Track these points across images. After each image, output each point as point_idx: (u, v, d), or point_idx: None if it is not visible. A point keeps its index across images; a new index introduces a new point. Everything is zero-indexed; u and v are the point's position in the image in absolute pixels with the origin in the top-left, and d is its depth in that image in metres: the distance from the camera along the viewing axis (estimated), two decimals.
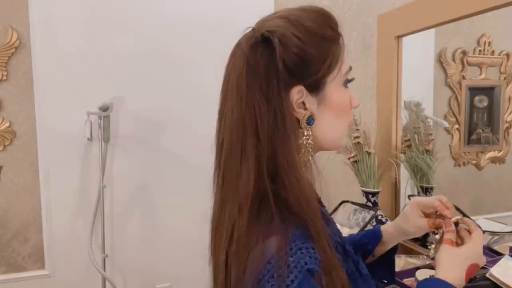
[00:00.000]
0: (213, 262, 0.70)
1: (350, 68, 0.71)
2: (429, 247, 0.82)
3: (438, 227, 0.81)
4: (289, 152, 0.63)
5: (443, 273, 0.71)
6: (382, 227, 0.91)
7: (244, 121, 0.64)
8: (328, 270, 0.60)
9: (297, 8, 0.69)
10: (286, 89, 0.64)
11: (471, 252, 0.74)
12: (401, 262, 1.40)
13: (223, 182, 0.67)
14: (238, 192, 0.63)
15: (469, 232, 0.78)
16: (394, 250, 0.92)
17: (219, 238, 0.67)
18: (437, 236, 0.79)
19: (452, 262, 0.72)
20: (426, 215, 0.85)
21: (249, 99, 0.63)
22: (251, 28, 0.69)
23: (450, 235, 0.76)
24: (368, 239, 0.90)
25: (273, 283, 0.57)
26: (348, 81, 0.71)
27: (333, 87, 0.68)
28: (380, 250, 0.91)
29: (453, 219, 0.79)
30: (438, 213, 0.83)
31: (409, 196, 1.63)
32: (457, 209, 1.48)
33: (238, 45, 0.68)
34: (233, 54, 0.68)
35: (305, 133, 0.66)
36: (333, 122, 0.69)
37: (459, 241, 0.77)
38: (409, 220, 0.85)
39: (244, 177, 0.63)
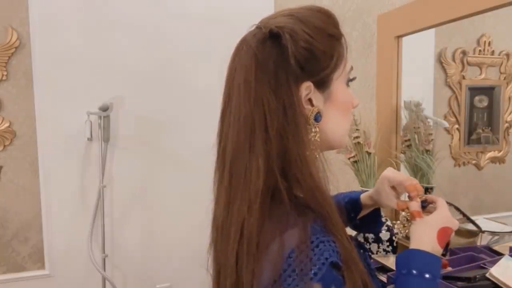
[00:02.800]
0: (218, 265, 0.69)
1: (352, 68, 0.72)
2: (393, 222, 0.83)
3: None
4: (302, 147, 0.63)
5: (414, 244, 0.72)
6: (362, 197, 0.91)
7: (252, 117, 0.63)
8: (348, 264, 0.60)
9: (300, 7, 0.69)
10: (296, 84, 0.64)
11: (437, 217, 0.75)
12: None
13: (229, 181, 0.66)
14: (246, 190, 0.63)
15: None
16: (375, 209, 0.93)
17: (225, 239, 0.65)
18: (403, 213, 0.79)
19: (421, 232, 0.73)
20: (398, 192, 0.85)
21: (258, 94, 0.63)
22: (255, 26, 0.69)
23: (414, 206, 0.76)
24: (351, 206, 0.91)
25: (294, 277, 0.56)
26: (350, 80, 0.72)
27: (338, 85, 0.69)
28: (361, 214, 0.92)
29: (422, 198, 0.79)
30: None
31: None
32: (457, 209, 1.48)
33: (243, 42, 0.68)
34: (238, 51, 0.68)
35: (313, 130, 0.66)
36: (339, 120, 0.70)
37: (427, 215, 0.77)
38: (381, 195, 0.86)
39: (253, 175, 0.62)
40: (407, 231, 0.79)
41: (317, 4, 0.72)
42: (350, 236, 0.71)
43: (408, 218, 0.78)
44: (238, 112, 0.65)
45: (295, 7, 0.70)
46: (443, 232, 0.73)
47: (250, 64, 0.64)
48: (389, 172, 0.85)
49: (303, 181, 0.63)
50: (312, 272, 0.56)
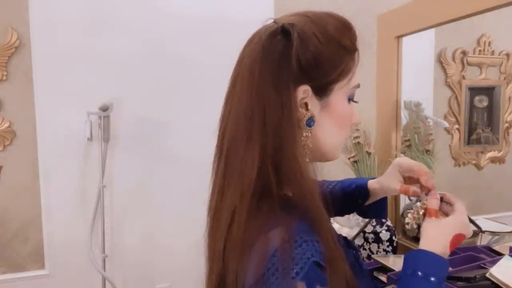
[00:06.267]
0: (210, 250, 0.69)
1: (359, 85, 0.70)
2: (407, 211, 0.81)
3: (413, 195, 0.80)
4: (295, 145, 0.63)
5: (426, 244, 0.71)
6: (369, 183, 0.91)
7: (252, 108, 0.63)
8: (332, 264, 0.59)
9: (323, 12, 0.69)
10: (294, 85, 0.64)
11: (455, 221, 0.73)
12: (401, 262, 1.40)
13: (225, 167, 0.67)
14: (241, 179, 0.63)
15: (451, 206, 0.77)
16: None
17: (217, 225, 0.66)
18: (419, 203, 0.77)
19: (436, 232, 0.72)
20: (407, 180, 0.84)
21: (260, 87, 0.63)
22: (272, 20, 0.69)
23: (434, 204, 0.74)
24: (359, 192, 0.91)
25: (277, 276, 0.56)
26: (353, 97, 0.71)
27: (338, 96, 0.68)
28: (369, 201, 0.92)
29: (438, 195, 0.76)
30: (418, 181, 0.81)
31: (408, 197, 1.62)
32: None
33: (256, 34, 0.69)
34: (251, 41, 0.68)
35: (304, 134, 0.65)
36: (332, 131, 0.69)
37: (443, 216, 0.75)
38: (388, 180, 0.85)
39: (248, 164, 0.63)
40: (416, 224, 0.76)
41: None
42: (339, 235, 0.71)
43: (421, 213, 0.76)
44: (239, 101, 0.65)
45: (319, 11, 0.70)
46: (457, 238, 0.71)
47: (257, 54, 0.65)
48: (402, 158, 0.85)
49: (293, 179, 0.63)
50: (294, 271, 0.56)
